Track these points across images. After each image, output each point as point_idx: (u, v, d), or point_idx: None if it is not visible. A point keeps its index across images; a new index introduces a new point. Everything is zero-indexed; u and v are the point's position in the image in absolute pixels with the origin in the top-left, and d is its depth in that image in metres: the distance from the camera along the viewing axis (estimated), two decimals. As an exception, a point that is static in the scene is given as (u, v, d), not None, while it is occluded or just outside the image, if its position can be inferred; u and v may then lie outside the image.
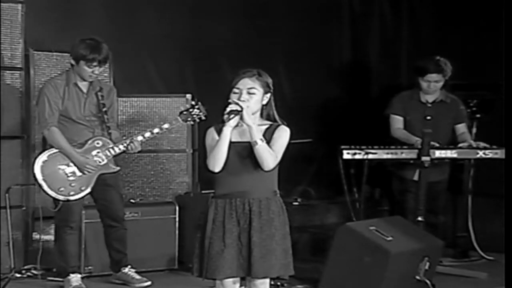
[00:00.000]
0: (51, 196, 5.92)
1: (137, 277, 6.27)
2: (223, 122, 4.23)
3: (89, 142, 5.99)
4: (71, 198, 5.93)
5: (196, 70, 7.71)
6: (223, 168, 4.21)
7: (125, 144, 5.96)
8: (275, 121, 4.30)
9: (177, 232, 6.73)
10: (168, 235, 6.70)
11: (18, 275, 6.35)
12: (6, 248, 6.29)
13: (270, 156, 4.18)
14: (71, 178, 5.91)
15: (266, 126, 4.27)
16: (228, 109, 4.17)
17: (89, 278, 6.31)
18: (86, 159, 5.92)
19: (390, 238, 5.77)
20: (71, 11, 7.03)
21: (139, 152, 6.09)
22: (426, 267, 5.90)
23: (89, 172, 5.92)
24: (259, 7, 8.00)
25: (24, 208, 6.62)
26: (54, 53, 6.78)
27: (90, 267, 6.39)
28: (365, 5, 8.74)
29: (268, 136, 4.24)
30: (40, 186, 5.89)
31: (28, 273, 6.46)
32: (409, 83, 7.62)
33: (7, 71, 6.51)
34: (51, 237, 6.66)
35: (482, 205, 7.49)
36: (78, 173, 5.92)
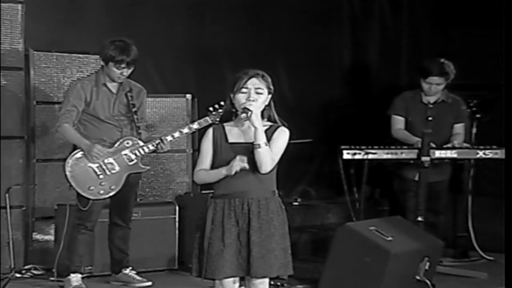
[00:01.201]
0: (81, 195, 5.93)
1: (138, 277, 6.27)
2: (221, 122, 4.28)
3: (119, 141, 6.02)
4: (101, 197, 5.96)
5: (196, 70, 7.71)
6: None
7: (154, 144, 5.99)
8: (275, 122, 4.31)
9: (177, 232, 6.74)
10: (168, 235, 6.70)
11: (18, 275, 6.35)
12: (6, 248, 6.28)
13: (270, 160, 4.19)
14: (101, 177, 5.93)
15: (267, 127, 4.28)
16: (242, 106, 4.17)
17: (89, 278, 6.31)
18: (93, 145, 5.92)
19: (390, 238, 5.77)
20: (71, 11, 7.03)
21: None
22: (426, 267, 5.90)
23: (96, 158, 5.92)
24: (259, 8, 8.00)
25: (24, 208, 6.62)
26: (54, 53, 6.78)
27: (90, 267, 6.39)
28: (365, 5, 8.74)
29: (268, 137, 4.24)
30: (70, 184, 5.92)
31: (28, 273, 6.46)
32: (409, 83, 7.63)
33: (7, 71, 6.50)
34: (51, 237, 6.68)
35: (482, 205, 7.49)
36: (108, 172, 5.94)
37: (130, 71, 6.04)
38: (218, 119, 5.91)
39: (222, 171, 4.19)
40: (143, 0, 7.47)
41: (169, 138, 6.01)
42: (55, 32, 6.87)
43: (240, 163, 4.14)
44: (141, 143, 6.02)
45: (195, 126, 6.05)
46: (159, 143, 5.99)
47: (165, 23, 7.52)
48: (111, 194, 5.99)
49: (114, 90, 6.09)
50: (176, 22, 7.59)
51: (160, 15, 7.50)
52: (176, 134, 6.03)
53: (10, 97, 6.51)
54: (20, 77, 6.58)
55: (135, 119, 6.05)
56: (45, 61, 6.75)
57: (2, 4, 6.40)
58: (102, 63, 6.03)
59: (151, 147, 6.02)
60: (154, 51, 7.41)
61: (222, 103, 5.90)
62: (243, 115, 4.15)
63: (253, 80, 4.24)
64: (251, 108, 4.16)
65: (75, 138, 5.95)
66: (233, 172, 4.14)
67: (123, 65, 5.96)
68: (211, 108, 5.98)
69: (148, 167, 6.24)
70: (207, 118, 6.00)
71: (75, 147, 6.02)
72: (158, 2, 7.50)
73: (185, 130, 6.06)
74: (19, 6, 6.52)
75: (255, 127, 4.16)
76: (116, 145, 6.01)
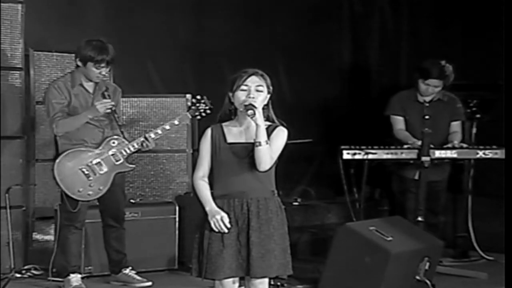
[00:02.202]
0: (70, 197, 5.92)
1: (138, 278, 6.27)
2: (220, 122, 4.28)
3: (105, 141, 6.02)
4: (90, 198, 5.98)
5: (196, 70, 7.71)
6: (222, 168, 4.23)
7: (139, 142, 6.00)
8: (273, 122, 4.31)
9: (177, 232, 6.73)
10: (168, 235, 6.70)
11: (18, 275, 6.35)
12: (6, 248, 6.28)
13: (269, 158, 4.19)
14: (91, 178, 5.93)
15: (265, 127, 4.27)
16: (246, 103, 4.17)
17: (89, 278, 6.31)
18: (93, 104, 5.92)
19: (390, 238, 5.76)
20: (71, 11, 7.03)
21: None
22: (426, 267, 5.90)
23: (108, 110, 5.91)
24: (259, 7, 8.00)
25: (24, 208, 6.61)
26: (54, 53, 6.79)
27: (90, 267, 6.39)
28: (365, 5, 8.75)
29: (267, 136, 4.23)
30: (59, 187, 5.92)
31: (28, 273, 6.46)
32: (409, 83, 7.62)
33: (7, 71, 6.50)
34: (51, 237, 6.68)
35: (482, 205, 7.48)
36: (97, 173, 5.95)
37: (108, 69, 6.04)
38: (197, 113, 5.98)
39: (207, 207, 4.22)
40: (143, 0, 7.47)
41: (152, 135, 6.02)
42: (55, 32, 6.87)
43: (222, 227, 4.16)
44: (126, 142, 6.03)
45: (176, 122, 6.08)
46: (143, 141, 6.00)
47: (165, 23, 7.53)
48: (99, 195, 5.99)
49: (90, 90, 6.09)
50: (176, 22, 7.59)
51: (160, 15, 7.51)
52: (159, 131, 6.04)
53: (10, 97, 6.51)
54: (20, 77, 6.58)
55: (116, 118, 6.05)
56: (45, 61, 6.75)
57: (2, 4, 6.40)
58: (79, 63, 6.02)
59: (137, 146, 6.03)
60: (154, 51, 7.42)
61: (198, 97, 5.98)
62: (250, 111, 4.15)
63: (253, 78, 4.25)
64: (255, 105, 4.16)
65: (77, 118, 5.93)
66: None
67: (103, 65, 5.96)
68: (189, 103, 6.02)
69: (133, 166, 6.21)
70: (187, 113, 6.05)
71: (57, 150, 6.01)
72: (158, 2, 7.50)
73: (167, 127, 6.07)
74: (19, 6, 6.51)
75: (257, 125, 4.16)
76: (102, 145, 6.01)
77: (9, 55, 6.50)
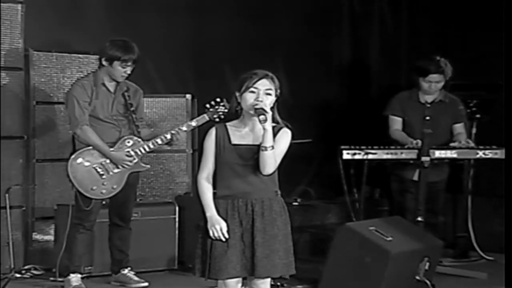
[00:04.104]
0: (83, 195, 5.93)
1: (135, 278, 6.27)
2: (224, 121, 4.27)
3: (120, 141, 6.04)
4: (103, 197, 6.00)
5: (196, 70, 7.71)
6: (225, 169, 4.23)
7: (154, 142, 6.02)
8: (277, 123, 4.29)
9: (177, 232, 6.74)
10: (168, 235, 6.71)
11: (18, 275, 6.35)
12: (6, 248, 6.28)
13: (273, 162, 4.19)
14: (104, 177, 5.95)
15: (271, 129, 4.27)
16: (258, 106, 4.15)
17: (89, 278, 6.31)
18: (122, 154, 5.98)
19: (390, 238, 5.77)
20: (71, 12, 7.03)
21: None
22: (426, 267, 5.90)
23: (127, 166, 5.96)
24: (259, 8, 8.00)
25: (24, 208, 6.61)
26: (54, 53, 6.78)
27: (90, 267, 6.39)
28: (365, 5, 8.75)
29: (271, 138, 4.24)
30: (72, 184, 5.94)
31: (28, 273, 6.46)
32: (409, 83, 7.63)
33: (7, 71, 6.50)
34: (51, 237, 6.68)
35: (482, 205, 7.49)
36: (111, 172, 5.96)
37: (132, 69, 6.06)
38: (215, 116, 5.97)
39: (207, 213, 4.21)
40: (143, 0, 7.47)
41: (168, 136, 6.03)
42: (55, 32, 6.88)
43: (221, 236, 4.17)
44: (142, 142, 6.04)
45: (193, 123, 6.10)
46: (158, 141, 6.01)
47: (165, 23, 7.53)
48: (113, 193, 6.01)
49: (112, 90, 6.10)
50: (176, 22, 7.59)
51: (160, 15, 7.51)
52: (175, 132, 6.05)
53: (10, 97, 6.51)
54: (20, 77, 6.58)
55: (134, 118, 6.07)
56: (45, 61, 6.75)
57: (2, 4, 6.40)
58: (104, 63, 6.02)
59: (152, 146, 6.05)
60: (154, 51, 7.41)
61: (218, 99, 5.96)
62: (261, 116, 4.12)
63: (264, 81, 4.22)
64: (267, 110, 4.14)
65: (101, 145, 5.95)
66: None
67: (129, 63, 6.00)
68: (207, 105, 6.02)
69: (148, 166, 6.25)
70: (205, 115, 6.04)
71: (74, 148, 6.03)
72: (158, 2, 7.50)
73: (184, 128, 6.09)
74: (19, 6, 6.52)
75: (265, 129, 4.15)
76: (117, 144, 6.03)
77: (9, 55, 6.50)
